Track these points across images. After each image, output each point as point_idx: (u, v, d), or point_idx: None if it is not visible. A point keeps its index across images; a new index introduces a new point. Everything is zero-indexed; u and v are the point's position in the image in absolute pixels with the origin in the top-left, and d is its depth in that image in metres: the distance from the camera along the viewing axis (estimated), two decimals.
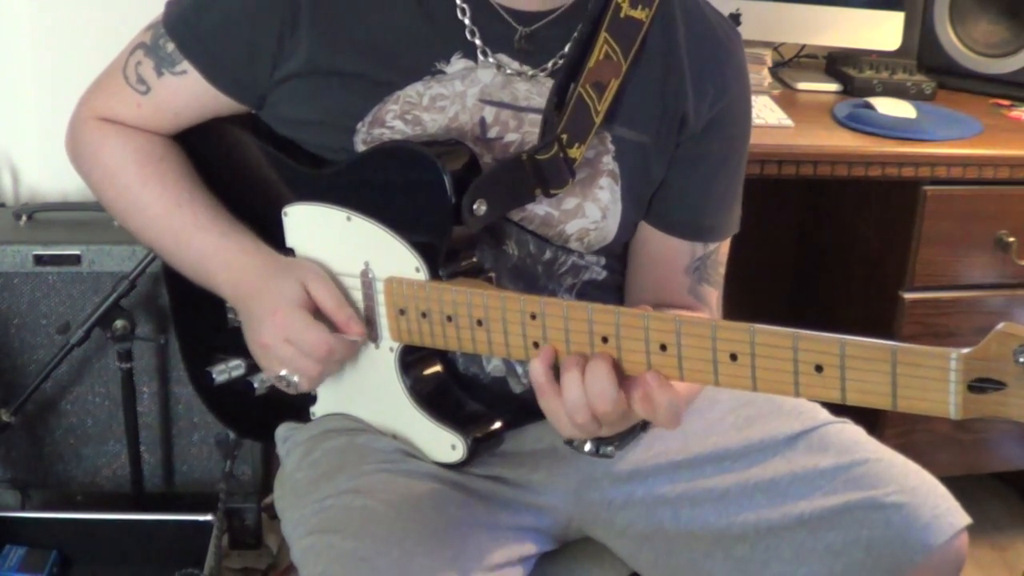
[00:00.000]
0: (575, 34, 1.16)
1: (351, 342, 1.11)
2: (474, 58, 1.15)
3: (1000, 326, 0.81)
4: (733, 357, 0.92)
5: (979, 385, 0.83)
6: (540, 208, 1.16)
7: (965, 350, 0.83)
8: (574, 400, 0.96)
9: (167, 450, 1.93)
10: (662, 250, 1.24)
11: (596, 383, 0.95)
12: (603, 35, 1.14)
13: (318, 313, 1.10)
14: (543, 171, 1.12)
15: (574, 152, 1.13)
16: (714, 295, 1.27)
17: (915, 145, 1.79)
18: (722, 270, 1.28)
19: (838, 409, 1.20)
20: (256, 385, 1.22)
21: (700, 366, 0.94)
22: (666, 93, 1.18)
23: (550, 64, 1.17)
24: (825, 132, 1.85)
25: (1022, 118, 2.03)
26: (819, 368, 0.89)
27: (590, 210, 1.18)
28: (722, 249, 1.27)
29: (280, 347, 1.09)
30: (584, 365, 0.96)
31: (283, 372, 1.11)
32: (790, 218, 2.34)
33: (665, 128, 1.19)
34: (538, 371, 0.98)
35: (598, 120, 1.14)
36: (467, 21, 1.15)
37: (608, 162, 1.18)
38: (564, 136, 1.12)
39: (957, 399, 0.84)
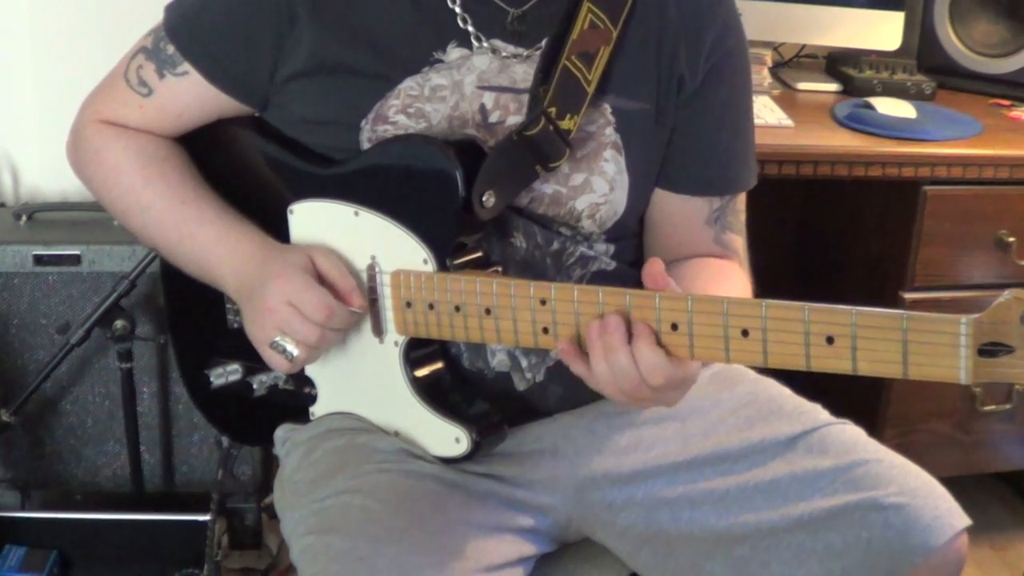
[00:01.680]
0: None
1: (350, 313, 1.11)
2: (469, 46, 1.16)
3: (1008, 292, 0.84)
4: (744, 333, 0.93)
5: (989, 349, 0.85)
6: (548, 187, 1.17)
7: (975, 315, 0.84)
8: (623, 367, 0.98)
9: (167, 450, 1.93)
10: (678, 210, 1.24)
11: (646, 359, 0.97)
12: (585, 5, 1.15)
13: (322, 282, 1.10)
14: (538, 146, 1.12)
15: (567, 123, 1.13)
16: (739, 241, 1.27)
17: (915, 145, 1.80)
18: (743, 217, 1.28)
19: (838, 410, 1.21)
20: (255, 386, 1.22)
21: (711, 343, 0.95)
22: (660, 58, 1.18)
23: (543, 43, 1.17)
24: (825, 132, 1.85)
25: (1022, 118, 2.03)
26: (830, 339, 0.90)
27: (597, 184, 1.18)
28: (739, 197, 1.27)
29: (281, 308, 1.08)
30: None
31: (278, 338, 1.09)
32: (790, 218, 2.35)
33: (664, 92, 1.19)
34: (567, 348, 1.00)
35: (591, 89, 1.14)
36: (457, 8, 1.15)
37: (610, 134, 1.18)
38: (552, 109, 1.12)
39: (967, 363, 0.85)
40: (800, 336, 0.91)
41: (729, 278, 1.22)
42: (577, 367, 1.01)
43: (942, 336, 0.86)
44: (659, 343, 0.97)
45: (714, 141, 1.23)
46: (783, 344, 0.92)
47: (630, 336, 0.98)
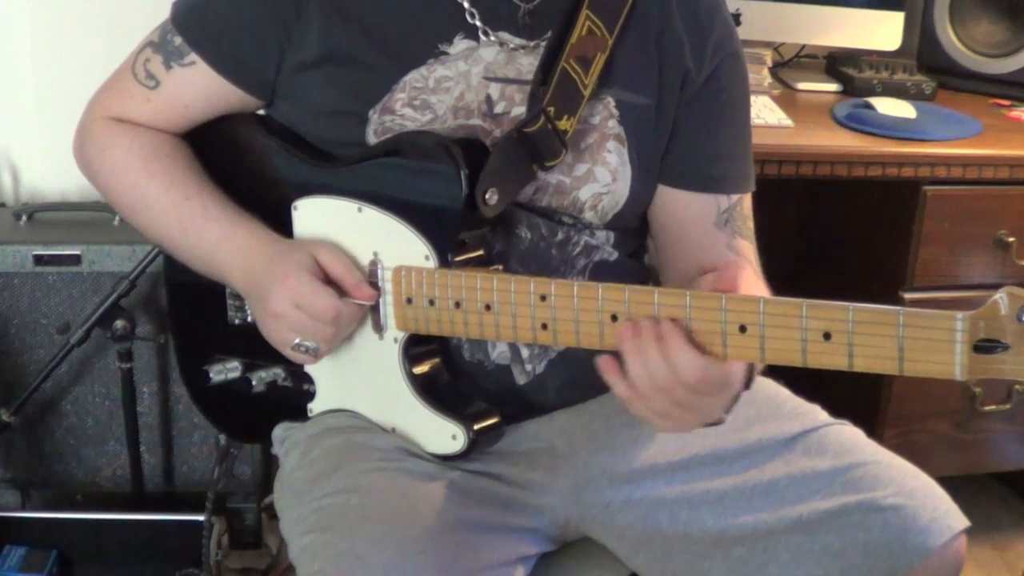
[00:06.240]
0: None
1: (359, 306, 1.12)
2: (476, 38, 1.17)
3: (1004, 288, 0.84)
4: (742, 329, 0.94)
5: (985, 345, 0.85)
6: (552, 176, 1.17)
7: (971, 312, 0.85)
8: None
9: (167, 450, 1.93)
10: (686, 210, 1.25)
11: (678, 357, 0.95)
12: (584, 12, 1.17)
13: (328, 280, 1.11)
14: (535, 144, 1.13)
15: (564, 124, 1.14)
16: (749, 248, 1.27)
17: (915, 145, 1.80)
18: (751, 224, 1.28)
19: (837, 410, 1.21)
20: (254, 383, 1.22)
21: (709, 339, 0.96)
22: (663, 55, 1.20)
23: (548, 35, 1.18)
24: (825, 132, 1.85)
25: (1022, 118, 2.03)
26: (827, 335, 0.91)
27: (600, 174, 1.19)
28: (745, 202, 1.28)
29: (290, 313, 1.10)
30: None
31: (297, 340, 1.11)
32: (790, 218, 2.34)
33: (667, 89, 1.20)
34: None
35: (587, 93, 1.16)
36: (465, 3, 1.17)
37: (613, 126, 1.19)
38: (551, 109, 1.14)
39: (963, 359, 0.86)
40: (797, 332, 0.92)
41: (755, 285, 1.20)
42: (617, 383, 0.99)
43: (938, 332, 0.87)
44: (691, 341, 0.96)
45: (717, 138, 1.24)
46: (780, 340, 0.93)
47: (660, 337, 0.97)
